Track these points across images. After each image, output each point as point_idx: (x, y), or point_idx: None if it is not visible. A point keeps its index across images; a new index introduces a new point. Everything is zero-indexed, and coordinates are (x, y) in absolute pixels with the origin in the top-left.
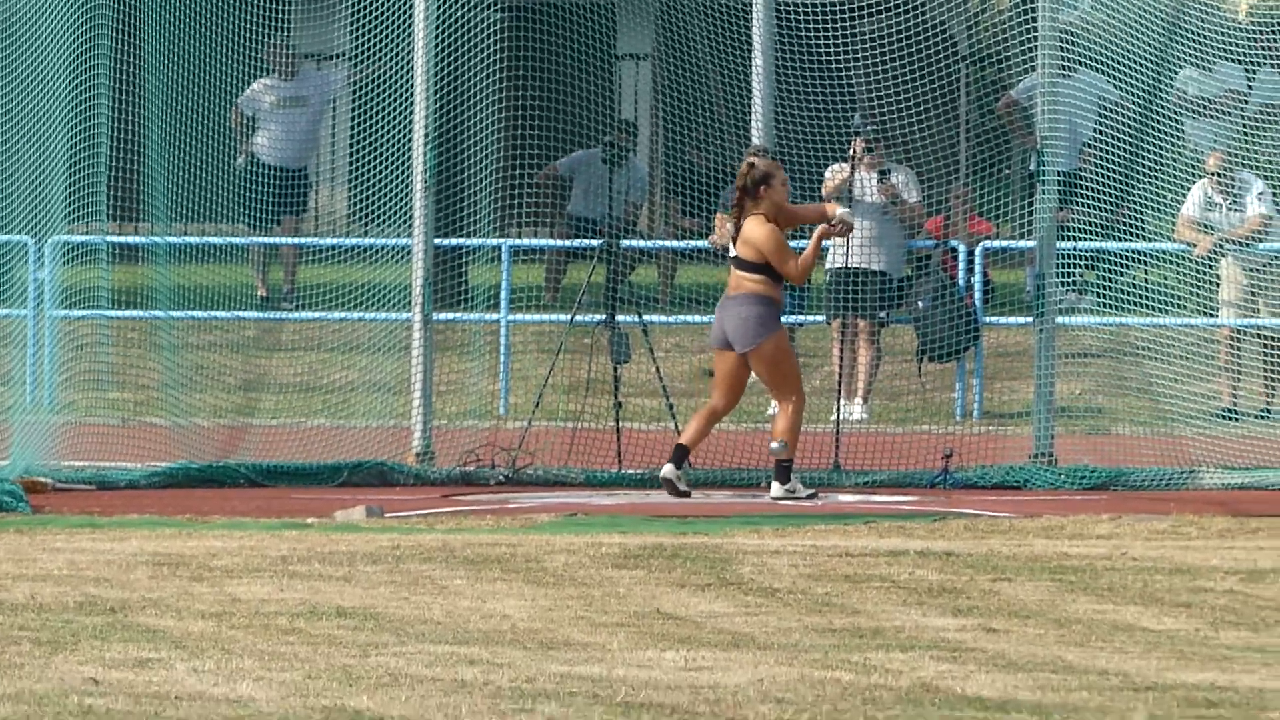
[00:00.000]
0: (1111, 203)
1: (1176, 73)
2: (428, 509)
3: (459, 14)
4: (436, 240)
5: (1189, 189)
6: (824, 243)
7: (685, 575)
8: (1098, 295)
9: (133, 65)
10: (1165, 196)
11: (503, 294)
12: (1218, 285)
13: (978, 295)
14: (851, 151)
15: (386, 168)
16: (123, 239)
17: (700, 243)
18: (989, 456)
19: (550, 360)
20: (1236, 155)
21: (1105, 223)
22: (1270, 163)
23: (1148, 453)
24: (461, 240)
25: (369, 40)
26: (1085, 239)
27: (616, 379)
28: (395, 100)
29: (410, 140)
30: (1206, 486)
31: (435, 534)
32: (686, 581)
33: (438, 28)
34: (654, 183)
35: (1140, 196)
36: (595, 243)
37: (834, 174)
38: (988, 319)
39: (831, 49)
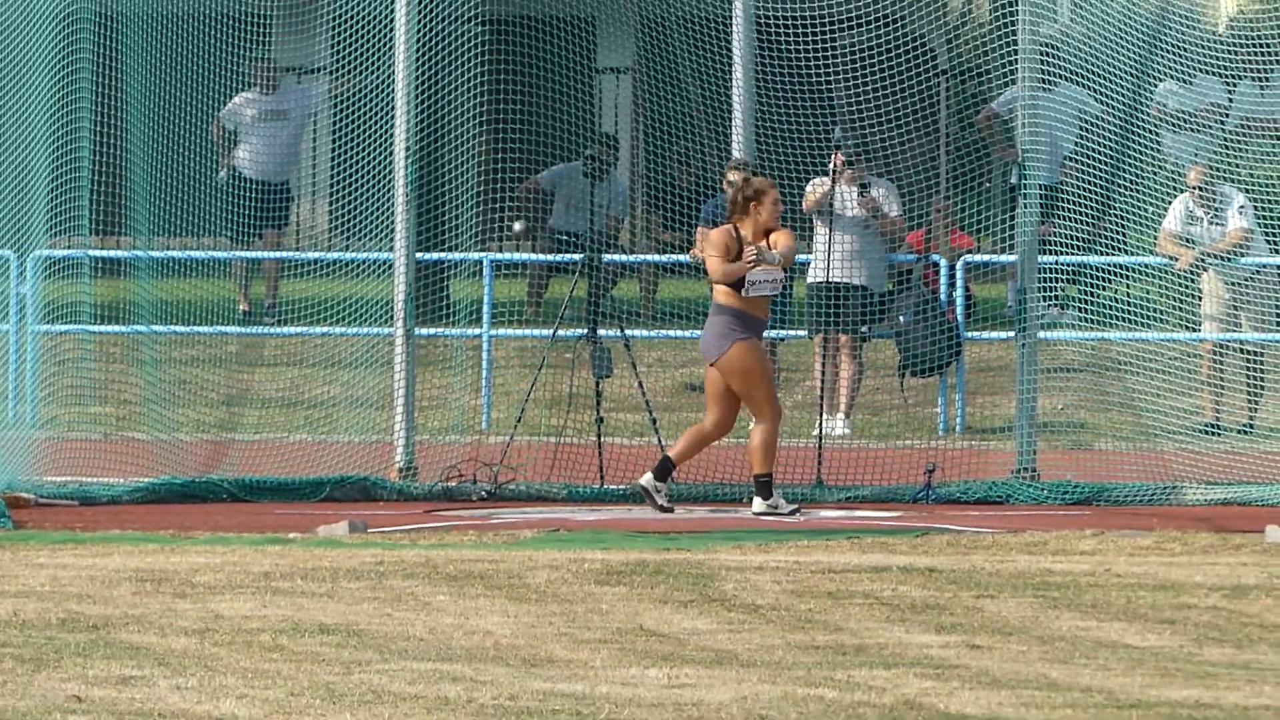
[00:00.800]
0: (1093, 217)
1: (1157, 86)
2: (411, 524)
3: (440, 27)
4: (418, 255)
5: (1170, 203)
6: (803, 257)
7: (668, 591)
8: (1079, 310)
9: (115, 80)
10: (1147, 210)
11: (485, 309)
12: (1200, 300)
13: (959, 310)
14: (832, 165)
15: (368, 182)
16: (105, 253)
17: (681, 257)
18: (972, 472)
19: (532, 375)
20: (1217, 169)
21: (1087, 237)
22: (1251, 176)
23: (1130, 468)
24: (443, 255)
25: (350, 54)
26: (1067, 253)
27: (599, 394)
28: (376, 114)
29: (391, 154)
30: (1190, 502)
31: (418, 550)
32: (669, 598)
33: (418, 41)
34: (635, 197)
35: (1122, 210)
36: (577, 257)
37: (815, 188)
38: (969, 334)
39: (812, 63)
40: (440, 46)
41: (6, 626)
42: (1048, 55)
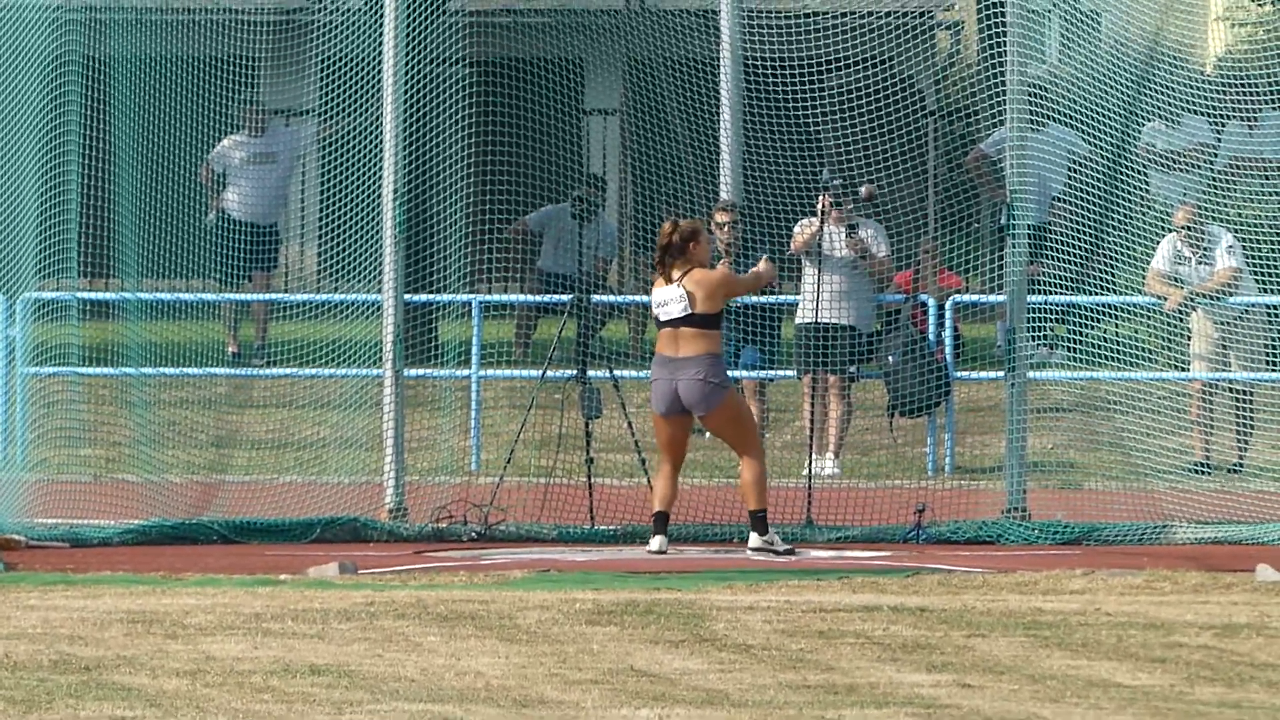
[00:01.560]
0: (1082, 257)
1: (1144, 126)
2: (401, 565)
3: (428, 70)
4: (407, 296)
5: (1158, 243)
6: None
7: (659, 632)
8: (1069, 350)
9: (103, 122)
10: (1135, 250)
11: (474, 349)
12: (1189, 339)
13: (948, 350)
14: (820, 206)
15: (356, 223)
16: (93, 295)
17: None
18: (961, 511)
19: (522, 416)
20: (1205, 209)
21: (1076, 277)
22: (1239, 215)
23: (1121, 507)
24: (432, 296)
25: (338, 96)
26: (1056, 293)
27: (588, 434)
28: (365, 156)
29: (380, 196)
30: (1180, 541)
31: (409, 590)
32: (660, 638)
33: (407, 83)
34: (623, 238)
35: (1111, 250)
36: (565, 298)
37: (803, 229)
38: (958, 374)
39: (799, 104)
40: (428, 89)
41: None
42: (1036, 96)
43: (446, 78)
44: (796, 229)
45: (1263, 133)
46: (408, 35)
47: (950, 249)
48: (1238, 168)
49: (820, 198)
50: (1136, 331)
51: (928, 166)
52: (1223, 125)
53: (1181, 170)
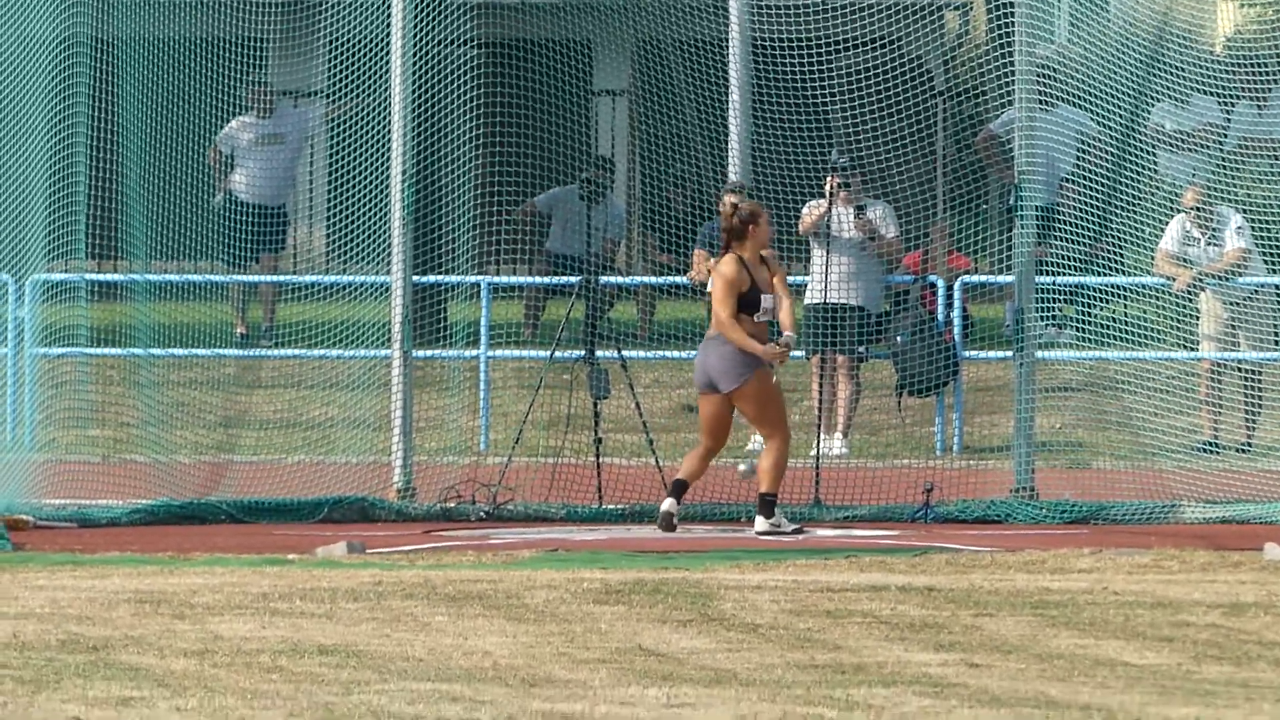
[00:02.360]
0: (1090, 237)
1: (1153, 106)
2: (409, 545)
3: (436, 51)
4: (415, 277)
5: (1167, 223)
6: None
7: (667, 611)
8: (1077, 330)
9: (111, 104)
10: (1144, 231)
11: (482, 330)
12: (1197, 319)
13: (957, 330)
14: (829, 187)
15: (365, 205)
16: (102, 277)
17: (678, 279)
18: (970, 491)
19: (530, 396)
20: (1214, 189)
21: (1084, 257)
22: (1248, 196)
23: (1128, 487)
24: (440, 277)
25: (346, 77)
26: (1064, 273)
27: (596, 414)
28: (373, 137)
29: (388, 177)
30: (1188, 520)
31: (417, 570)
32: (668, 617)
33: (415, 64)
34: (631, 219)
35: (1119, 231)
36: (574, 279)
37: (811, 210)
38: (967, 354)
39: (808, 84)
40: (436, 69)
41: (6, 648)
42: (1045, 76)
43: (455, 59)
44: (805, 210)
45: (1272, 113)
46: (416, 16)
47: (959, 229)
48: (1247, 148)
49: (829, 178)
50: (1145, 312)
51: (936, 147)
52: (1232, 105)
53: (1190, 151)
